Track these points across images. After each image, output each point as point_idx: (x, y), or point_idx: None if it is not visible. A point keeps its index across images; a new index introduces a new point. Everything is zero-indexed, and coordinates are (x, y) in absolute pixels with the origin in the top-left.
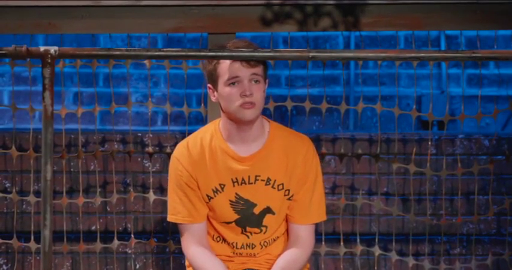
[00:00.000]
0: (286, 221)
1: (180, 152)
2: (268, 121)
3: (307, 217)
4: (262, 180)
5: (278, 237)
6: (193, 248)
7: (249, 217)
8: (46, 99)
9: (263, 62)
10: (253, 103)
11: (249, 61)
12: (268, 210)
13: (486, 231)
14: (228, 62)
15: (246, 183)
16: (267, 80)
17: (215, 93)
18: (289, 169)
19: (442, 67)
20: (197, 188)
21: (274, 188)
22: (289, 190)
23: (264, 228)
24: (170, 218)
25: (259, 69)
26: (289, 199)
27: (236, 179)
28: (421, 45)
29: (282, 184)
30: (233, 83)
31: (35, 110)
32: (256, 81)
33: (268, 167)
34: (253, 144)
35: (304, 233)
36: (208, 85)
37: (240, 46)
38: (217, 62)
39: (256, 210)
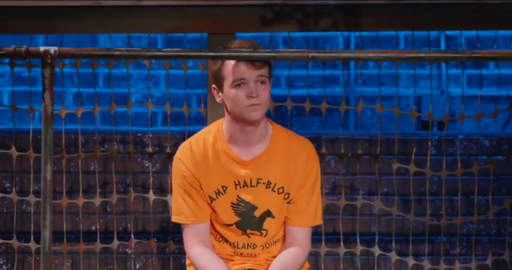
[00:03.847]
0: (284, 223)
1: (182, 153)
2: (271, 123)
3: (303, 219)
4: (264, 183)
5: (279, 239)
6: (196, 247)
7: (249, 220)
8: (46, 100)
9: (268, 62)
10: (259, 104)
11: (254, 63)
12: (268, 214)
13: (486, 232)
14: (233, 63)
15: (247, 186)
16: (271, 80)
17: (220, 94)
18: (289, 173)
19: (442, 67)
20: (200, 188)
21: (274, 191)
22: (289, 194)
23: (264, 232)
24: (174, 218)
25: (264, 71)
26: (288, 202)
27: (238, 181)
28: (421, 46)
29: (282, 187)
30: (239, 85)
31: (35, 110)
32: (262, 82)
33: (269, 171)
34: (256, 147)
35: (300, 235)
36: (213, 86)
37: (244, 46)
38: (222, 63)
39: (257, 213)
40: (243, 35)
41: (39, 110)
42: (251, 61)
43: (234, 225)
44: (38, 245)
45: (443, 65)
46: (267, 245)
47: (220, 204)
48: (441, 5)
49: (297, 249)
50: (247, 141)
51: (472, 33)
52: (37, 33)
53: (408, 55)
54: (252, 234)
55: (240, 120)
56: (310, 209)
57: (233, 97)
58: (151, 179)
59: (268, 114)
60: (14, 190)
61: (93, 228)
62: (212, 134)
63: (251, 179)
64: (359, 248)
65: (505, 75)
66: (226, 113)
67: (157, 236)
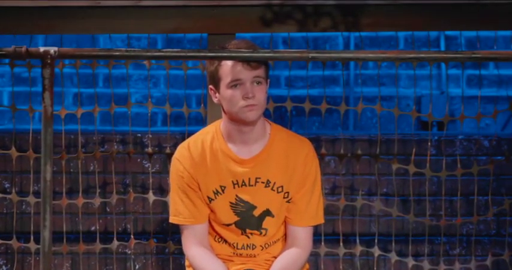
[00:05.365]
0: (285, 223)
1: (181, 153)
2: (270, 123)
3: (304, 219)
4: (262, 182)
5: (279, 239)
6: (194, 248)
7: (248, 219)
8: (46, 100)
9: (265, 62)
10: (255, 105)
11: (250, 63)
12: (267, 213)
13: (486, 232)
14: (229, 64)
15: (246, 185)
16: (268, 80)
17: (217, 94)
18: (288, 172)
19: (442, 68)
20: (198, 189)
21: (274, 191)
22: (288, 193)
23: (263, 231)
24: (172, 219)
25: (261, 71)
26: (288, 202)
27: (237, 181)
28: (421, 46)
29: (282, 186)
30: (235, 85)
31: (35, 110)
32: (258, 83)
33: (268, 170)
34: (254, 146)
35: (301, 235)
36: (210, 86)
37: (241, 47)
38: (218, 64)
39: (256, 213)
40: (243, 35)
41: (39, 110)
42: (247, 62)
43: (233, 225)
44: (38, 246)
45: (443, 65)
46: (267, 246)
47: (219, 204)
48: (441, 5)
49: (298, 250)
50: (245, 141)
51: (472, 33)
52: (37, 33)
53: (408, 55)
54: (252, 234)
55: (236, 120)
56: (310, 209)
57: (229, 98)
58: (151, 180)
59: (267, 115)
60: (13, 190)
61: (93, 228)
62: (210, 135)
63: (249, 178)
64: (359, 249)
65: (504, 75)
66: (223, 113)
67: (157, 237)
